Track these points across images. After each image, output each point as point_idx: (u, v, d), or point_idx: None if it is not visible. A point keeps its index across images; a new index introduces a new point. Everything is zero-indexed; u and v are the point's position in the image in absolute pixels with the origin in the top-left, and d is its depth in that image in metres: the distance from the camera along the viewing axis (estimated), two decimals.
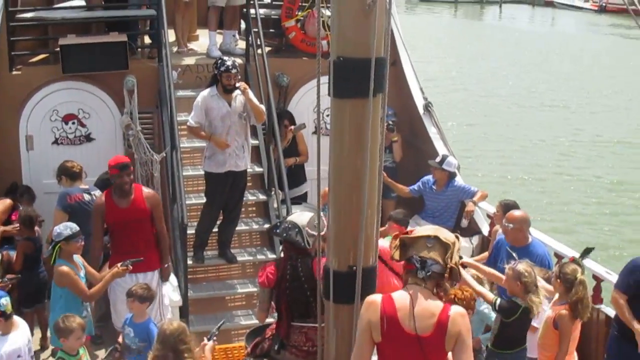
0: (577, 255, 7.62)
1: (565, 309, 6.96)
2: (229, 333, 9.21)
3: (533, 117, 27.17)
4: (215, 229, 9.88)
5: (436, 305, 4.57)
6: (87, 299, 8.03)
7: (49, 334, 9.19)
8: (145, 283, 7.83)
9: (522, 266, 7.11)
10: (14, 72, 11.10)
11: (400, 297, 4.59)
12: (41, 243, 9.25)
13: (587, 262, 7.86)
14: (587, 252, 7.53)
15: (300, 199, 11.05)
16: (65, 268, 7.86)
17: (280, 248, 6.85)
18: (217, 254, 9.91)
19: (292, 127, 11.09)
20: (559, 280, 7.09)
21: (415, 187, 10.83)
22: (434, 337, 4.51)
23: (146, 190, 8.79)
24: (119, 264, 7.99)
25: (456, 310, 4.60)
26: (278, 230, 6.35)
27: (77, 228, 8.04)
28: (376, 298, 4.64)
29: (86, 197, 9.20)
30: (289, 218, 6.44)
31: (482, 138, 24.16)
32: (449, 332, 4.51)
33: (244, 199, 10.15)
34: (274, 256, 9.83)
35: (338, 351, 5.07)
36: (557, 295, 7.20)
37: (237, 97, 9.42)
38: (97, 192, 9.30)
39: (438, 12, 63.79)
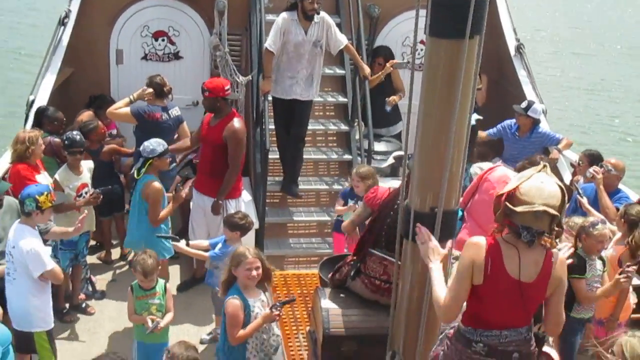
0: None
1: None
2: (301, 260, 9.35)
3: (628, 72, 26.10)
4: None
5: (540, 252, 4.55)
6: (154, 222, 8.15)
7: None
8: (244, 213, 7.89)
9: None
10: None
11: (506, 243, 4.55)
12: (107, 156, 9.41)
13: None
14: None
15: (395, 138, 10.98)
16: (158, 185, 8.12)
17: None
18: None
19: (393, 61, 10.92)
20: (622, 220, 7.20)
21: (494, 130, 10.60)
22: (536, 284, 4.54)
23: (233, 122, 8.59)
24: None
25: (558, 256, 4.62)
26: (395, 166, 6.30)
27: (166, 145, 8.20)
28: (480, 240, 4.60)
29: (164, 116, 9.29)
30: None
31: (572, 87, 23.45)
32: (552, 277, 4.57)
33: (324, 127, 10.20)
34: None
35: (412, 289, 5.10)
36: (618, 234, 7.28)
37: (315, 25, 9.37)
38: (175, 110, 9.42)
39: None
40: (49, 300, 7.00)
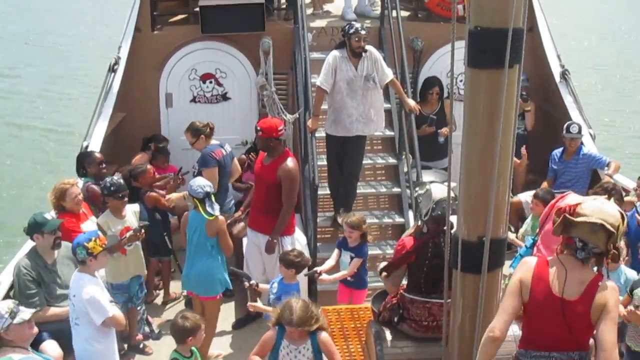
0: None
1: None
2: None
3: None
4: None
5: (588, 274, 4.59)
6: (230, 251, 8.34)
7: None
8: (300, 251, 7.93)
9: None
10: (156, 32, 11.51)
11: (555, 262, 4.64)
12: (149, 203, 9.35)
13: None
14: None
15: (445, 170, 10.97)
16: (220, 217, 8.19)
17: (424, 210, 6.24)
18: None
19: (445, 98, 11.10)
20: None
21: (550, 173, 10.55)
22: (578, 303, 4.54)
23: (287, 162, 8.60)
24: None
25: (607, 282, 4.62)
26: (440, 212, 5.99)
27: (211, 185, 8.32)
28: (531, 260, 4.73)
29: (223, 152, 9.47)
30: (438, 196, 6.07)
31: (620, 111, 23.08)
32: (596, 301, 4.53)
33: (372, 162, 10.28)
34: (401, 220, 9.91)
35: (463, 319, 5.11)
36: None
37: (364, 60, 9.46)
38: (228, 147, 9.58)
39: None
40: (113, 345, 7.08)
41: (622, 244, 7.31)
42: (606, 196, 4.68)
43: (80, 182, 9.10)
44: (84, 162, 9.46)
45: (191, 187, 8.16)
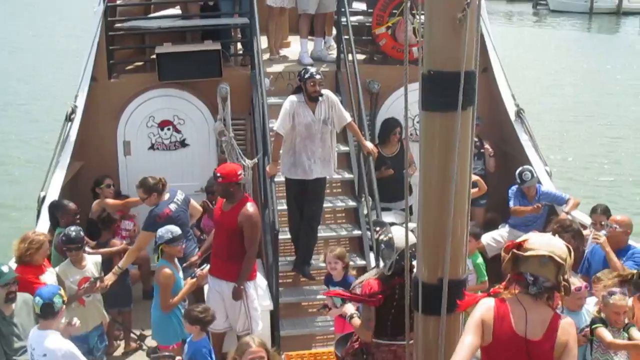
0: None
1: None
2: (317, 338, 9.31)
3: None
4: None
5: (547, 312, 4.65)
6: (164, 308, 8.22)
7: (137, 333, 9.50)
8: (206, 306, 7.89)
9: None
10: (113, 80, 11.50)
11: (513, 302, 4.68)
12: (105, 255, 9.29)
13: None
14: None
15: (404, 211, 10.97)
16: (168, 271, 8.15)
17: (388, 262, 6.34)
18: None
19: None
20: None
21: (515, 201, 10.58)
22: (542, 342, 4.58)
23: (247, 207, 8.57)
24: (189, 278, 8.45)
25: (566, 319, 4.71)
26: (402, 262, 5.83)
27: (179, 232, 8.28)
28: (490, 301, 4.74)
29: (172, 207, 9.35)
30: (402, 245, 5.86)
31: (576, 148, 23.40)
32: (559, 339, 4.59)
33: (332, 205, 10.27)
34: (363, 262, 9.90)
35: None
36: None
37: (321, 104, 9.52)
38: (180, 194, 9.53)
39: (570, 25, 54.04)
40: None
41: (577, 280, 7.36)
42: (551, 232, 4.78)
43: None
44: (56, 213, 9.40)
45: (160, 235, 8.26)
